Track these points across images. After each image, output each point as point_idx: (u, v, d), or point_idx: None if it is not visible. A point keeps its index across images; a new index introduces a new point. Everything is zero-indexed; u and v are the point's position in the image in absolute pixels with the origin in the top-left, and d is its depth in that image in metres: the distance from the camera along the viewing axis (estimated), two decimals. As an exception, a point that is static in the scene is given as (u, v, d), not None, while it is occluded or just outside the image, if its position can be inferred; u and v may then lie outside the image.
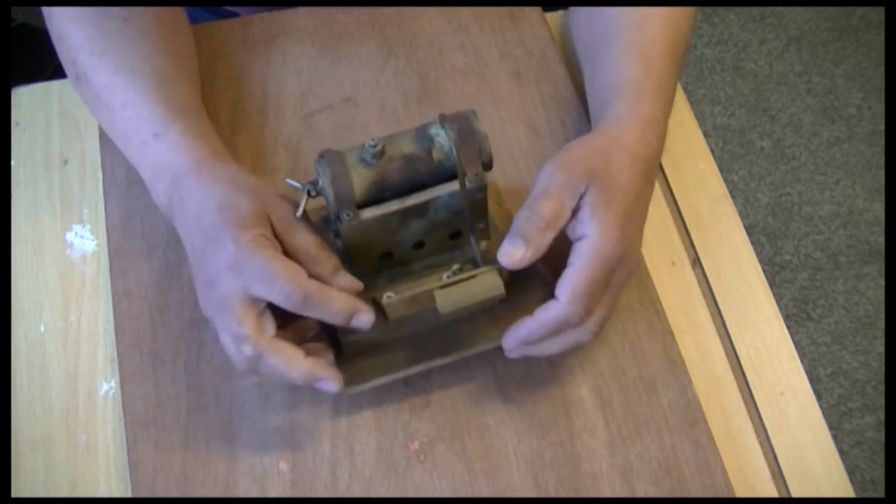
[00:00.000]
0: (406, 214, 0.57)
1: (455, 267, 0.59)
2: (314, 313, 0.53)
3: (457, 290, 0.55)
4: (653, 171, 0.60)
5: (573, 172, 0.56)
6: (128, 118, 0.62)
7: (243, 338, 0.53)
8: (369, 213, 0.55)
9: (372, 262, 0.60)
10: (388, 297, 0.56)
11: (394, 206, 0.56)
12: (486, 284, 0.56)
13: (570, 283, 0.54)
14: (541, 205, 0.55)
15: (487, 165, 0.57)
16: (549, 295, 0.55)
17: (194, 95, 0.66)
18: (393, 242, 0.59)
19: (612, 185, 0.56)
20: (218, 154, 0.62)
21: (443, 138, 0.56)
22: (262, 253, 0.53)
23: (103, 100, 0.63)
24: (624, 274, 0.57)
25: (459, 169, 0.55)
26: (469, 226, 0.59)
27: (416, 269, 0.62)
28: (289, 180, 0.58)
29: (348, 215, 0.55)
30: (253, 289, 0.53)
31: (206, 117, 0.66)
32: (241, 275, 0.53)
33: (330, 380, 0.54)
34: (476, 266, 0.59)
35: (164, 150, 0.60)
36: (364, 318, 0.54)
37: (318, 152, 0.56)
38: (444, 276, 0.59)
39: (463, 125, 0.56)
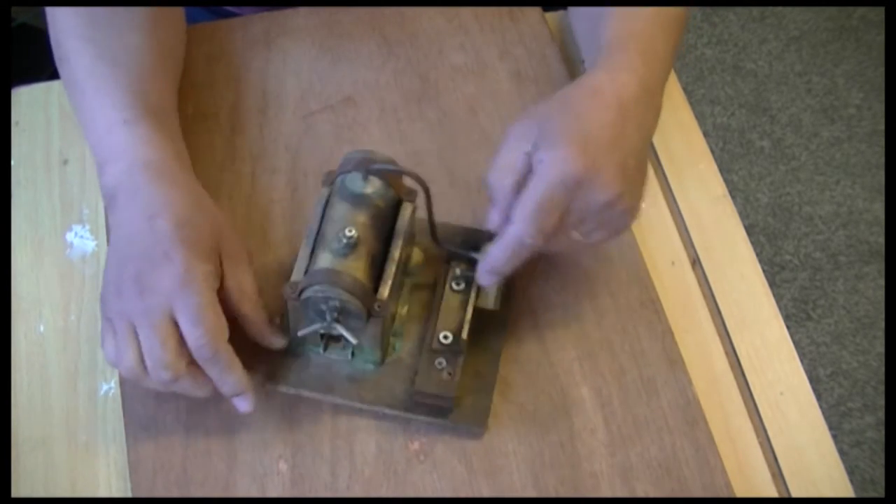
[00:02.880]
0: (405, 272, 0.62)
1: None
2: (211, 372, 0.55)
3: None
4: (630, 109, 0.58)
5: (524, 121, 0.57)
6: (99, 103, 0.62)
7: (163, 361, 0.54)
8: (385, 290, 0.56)
9: None
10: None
11: (392, 272, 0.57)
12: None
13: (520, 204, 0.54)
14: (493, 160, 0.57)
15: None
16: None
17: (171, 97, 0.67)
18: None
19: (566, 116, 0.56)
20: (181, 161, 0.62)
21: (373, 185, 0.58)
22: (205, 294, 0.54)
23: (79, 83, 0.63)
24: (593, 199, 0.55)
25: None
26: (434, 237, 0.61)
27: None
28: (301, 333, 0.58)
29: (379, 307, 0.55)
30: (179, 319, 0.54)
31: (178, 123, 0.66)
32: (176, 301, 0.54)
33: (244, 399, 0.57)
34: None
35: (129, 138, 0.60)
36: (244, 404, 0.57)
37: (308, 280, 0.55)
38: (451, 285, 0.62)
39: (369, 166, 0.58)
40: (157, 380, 0.55)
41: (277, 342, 0.59)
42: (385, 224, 0.59)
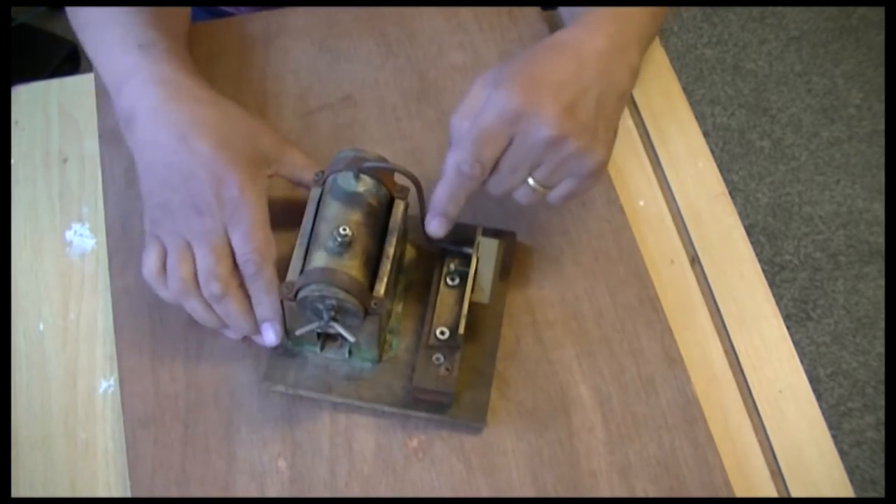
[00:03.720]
0: (399, 270, 0.63)
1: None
2: (251, 288, 0.58)
3: None
4: (588, 58, 0.58)
5: (489, 72, 0.58)
6: (114, 33, 0.63)
7: (217, 275, 0.57)
8: (381, 288, 0.57)
9: None
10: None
11: (387, 269, 0.57)
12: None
13: (460, 136, 0.56)
14: (458, 105, 0.58)
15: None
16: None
17: (184, 32, 0.69)
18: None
19: (520, 62, 0.57)
20: (198, 78, 0.63)
21: (364, 184, 0.59)
22: (257, 213, 0.57)
23: (96, 20, 0.64)
24: (533, 134, 0.55)
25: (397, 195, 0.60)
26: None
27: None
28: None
29: (375, 304, 0.56)
30: (232, 236, 0.57)
31: (190, 58, 0.66)
32: (231, 220, 0.57)
33: (272, 328, 0.59)
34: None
35: (146, 58, 0.61)
36: (271, 334, 0.59)
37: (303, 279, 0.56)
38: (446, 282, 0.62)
39: (360, 164, 0.58)
40: (207, 293, 0.57)
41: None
42: (378, 222, 0.59)
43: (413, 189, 0.59)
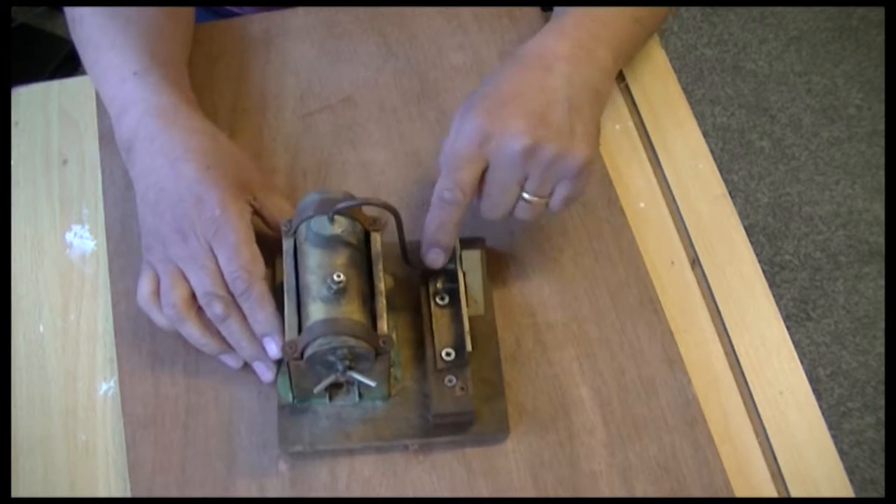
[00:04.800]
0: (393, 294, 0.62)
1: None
2: (244, 306, 0.58)
3: None
4: (552, 63, 0.59)
5: (463, 102, 0.59)
6: (111, 57, 0.64)
7: (216, 296, 0.57)
8: (384, 324, 0.56)
9: None
10: None
11: (383, 304, 0.57)
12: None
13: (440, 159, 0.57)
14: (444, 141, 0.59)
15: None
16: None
17: (182, 55, 0.69)
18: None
19: (483, 85, 0.59)
20: (192, 105, 0.64)
21: (340, 224, 0.57)
22: (240, 231, 0.58)
23: (93, 41, 0.65)
24: (508, 149, 0.55)
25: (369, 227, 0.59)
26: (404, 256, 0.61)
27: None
28: None
29: (384, 342, 0.55)
30: (218, 256, 0.58)
31: (188, 77, 0.68)
32: (214, 241, 0.57)
33: (272, 341, 0.58)
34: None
35: (141, 88, 0.62)
36: (272, 347, 0.58)
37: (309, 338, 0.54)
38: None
39: (333, 207, 0.56)
40: (210, 315, 0.58)
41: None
42: (361, 259, 0.58)
43: (387, 216, 0.58)
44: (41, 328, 0.64)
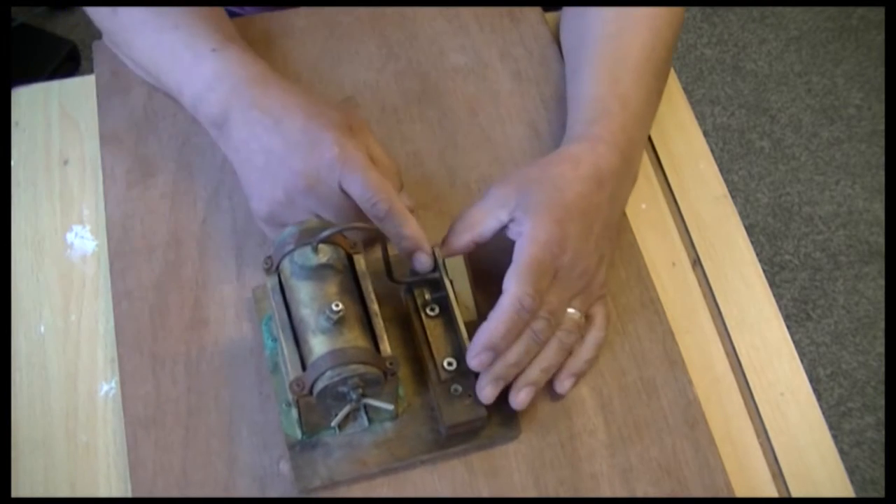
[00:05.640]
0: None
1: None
2: (388, 228, 0.58)
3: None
4: (606, 179, 0.61)
5: (504, 186, 0.60)
6: (179, 37, 0.64)
7: (375, 198, 0.57)
8: (386, 346, 0.55)
9: None
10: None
11: (381, 325, 0.56)
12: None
13: (513, 270, 0.56)
14: (465, 212, 0.60)
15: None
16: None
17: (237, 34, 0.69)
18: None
19: (546, 186, 0.59)
20: (277, 72, 0.64)
21: (324, 252, 0.56)
22: (363, 161, 0.58)
23: (150, 23, 0.65)
24: (572, 269, 0.58)
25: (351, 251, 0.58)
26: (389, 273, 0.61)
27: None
28: None
29: (391, 363, 0.54)
30: (351, 194, 0.57)
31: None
32: (343, 180, 0.57)
33: (421, 255, 0.59)
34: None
35: (225, 62, 0.62)
36: (424, 258, 0.58)
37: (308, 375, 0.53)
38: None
39: (315, 237, 0.55)
40: (373, 215, 0.58)
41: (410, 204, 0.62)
42: (350, 283, 0.57)
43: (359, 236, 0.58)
44: (42, 329, 0.64)
